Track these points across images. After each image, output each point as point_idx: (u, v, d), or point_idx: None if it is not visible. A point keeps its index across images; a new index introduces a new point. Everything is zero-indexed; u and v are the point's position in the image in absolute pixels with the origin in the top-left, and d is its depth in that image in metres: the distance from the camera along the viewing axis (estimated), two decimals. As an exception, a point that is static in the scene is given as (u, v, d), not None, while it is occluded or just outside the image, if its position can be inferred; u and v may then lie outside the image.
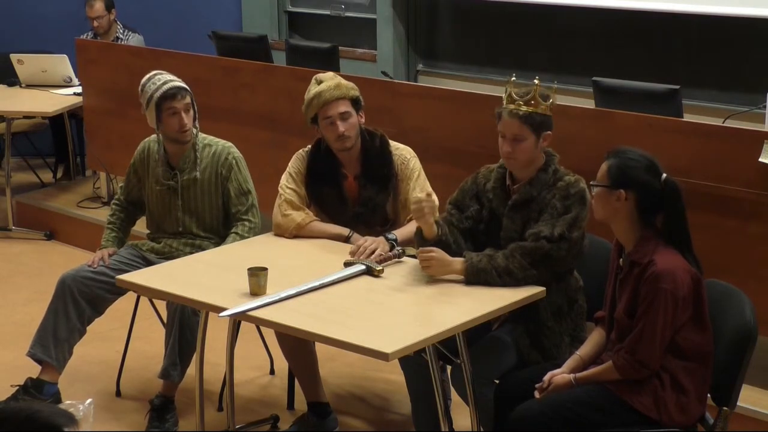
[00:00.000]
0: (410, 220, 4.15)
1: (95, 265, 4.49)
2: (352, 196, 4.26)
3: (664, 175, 3.35)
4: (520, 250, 3.68)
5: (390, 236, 4.07)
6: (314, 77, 4.28)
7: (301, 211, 4.24)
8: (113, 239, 4.67)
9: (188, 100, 4.45)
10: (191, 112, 4.47)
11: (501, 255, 3.70)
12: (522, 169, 3.81)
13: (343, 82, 4.24)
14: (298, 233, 4.23)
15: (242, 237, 4.42)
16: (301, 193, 4.28)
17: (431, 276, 3.74)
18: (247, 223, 4.48)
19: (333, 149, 4.23)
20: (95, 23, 7.31)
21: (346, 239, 4.17)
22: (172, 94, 4.41)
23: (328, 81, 4.21)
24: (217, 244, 4.47)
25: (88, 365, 4.89)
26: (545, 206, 3.74)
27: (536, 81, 3.74)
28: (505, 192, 3.85)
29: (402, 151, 4.27)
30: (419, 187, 4.17)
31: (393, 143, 4.29)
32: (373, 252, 3.94)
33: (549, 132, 3.77)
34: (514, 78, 3.79)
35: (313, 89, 4.21)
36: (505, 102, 3.77)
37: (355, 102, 4.20)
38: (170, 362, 4.33)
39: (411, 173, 4.21)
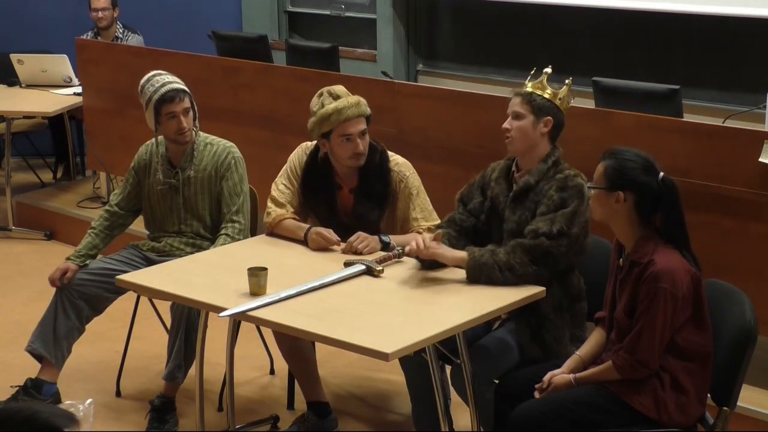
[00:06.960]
0: (409, 232, 4.15)
1: (57, 284, 4.43)
2: (344, 208, 4.20)
3: (662, 174, 3.34)
4: (521, 247, 3.69)
5: (384, 238, 4.05)
6: (324, 90, 4.13)
7: (282, 208, 4.22)
8: (86, 247, 4.55)
9: (187, 102, 4.42)
10: (190, 114, 4.44)
11: (503, 251, 3.71)
12: (522, 153, 3.81)
13: (361, 99, 4.13)
14: (272, 229, 4.22)
15: (232, 239, 4.39)
16: (292, 188, 4.25)
17: (435, 259, 3.74)
18: (237, 225, 4.44)
19: (340, 164, 4.15)
20: (99, 14, 7.26)
21: (304, 236, 4.10)
22: (171, 97, 4.37)
23: (346, 97, 4.10)
24: (217, 243, 4.47)
25: (88, 365, 4.89)
26: (542, 197, 3.73)
27: (547, 71, 3.80)
28: (508, 182, 3.86)
29: (401, 168, 4.18)
30: (419, 207, 4.14)
31: (392, 157, 4.20)
32: (359, 252, 3.95)
33: (550, 118, 3.77)
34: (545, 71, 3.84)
35: (330, 104, 4.07)
36: None
37: (368, 119, 4.14)
38: (176, 365, 4.32)
39: (410, 192, 4.15)
